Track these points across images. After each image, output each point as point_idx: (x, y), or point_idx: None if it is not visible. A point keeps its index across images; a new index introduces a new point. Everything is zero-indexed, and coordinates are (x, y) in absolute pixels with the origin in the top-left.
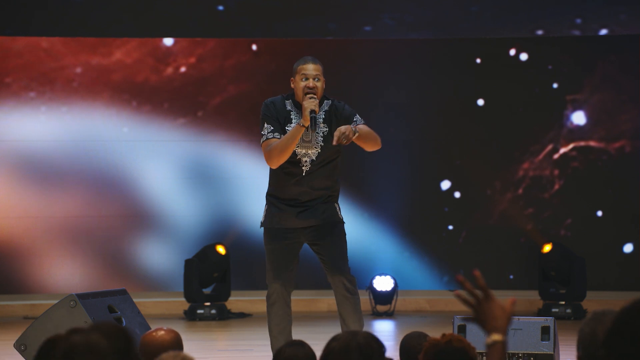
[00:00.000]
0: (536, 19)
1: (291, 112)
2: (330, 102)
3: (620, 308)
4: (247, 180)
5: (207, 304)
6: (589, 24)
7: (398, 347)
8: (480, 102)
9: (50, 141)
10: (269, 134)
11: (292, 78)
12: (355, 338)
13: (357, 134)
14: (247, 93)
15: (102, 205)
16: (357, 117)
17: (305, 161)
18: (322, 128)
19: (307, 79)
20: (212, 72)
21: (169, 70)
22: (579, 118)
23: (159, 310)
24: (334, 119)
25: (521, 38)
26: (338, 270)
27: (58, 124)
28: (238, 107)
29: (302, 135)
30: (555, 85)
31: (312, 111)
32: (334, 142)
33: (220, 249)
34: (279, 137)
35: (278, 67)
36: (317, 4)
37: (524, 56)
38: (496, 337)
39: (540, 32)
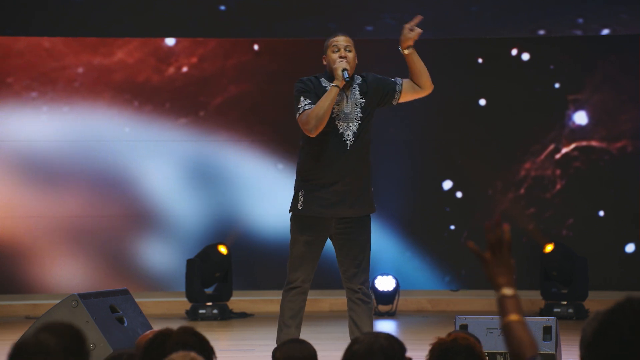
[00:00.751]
0: (537, 18)
1: (327, 88)
2: (361, 77)
3: (605, 309)
4: (249, 180)
5: (209, 303)
6: (590, 24)
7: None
8: (482, 102)
9: (52, 141)
10: (306, 106)
11: (323, 56)
12: (378, 340)
13: (411, 50)
14: (249, 93)
15: (103, 205)
16: (395, 79)
17: (348, 134)
18: (359, 99)
19: (338, 49)
20: (214, 72)
21: (171, 70)
22: (580, 118)
23: (161, 310)
24: (369, 89)
25: (523, 38)
26: (357, 275)
27: (59, 124)
28: (239, 107)
29: (343, 108)
30: (556, 85)
31: (345, 70)
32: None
33: (222, 249)
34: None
35: (279, 67)
36: (317, 4)
37: (525, 56)
38: (504, 291)
39: (541, 32)
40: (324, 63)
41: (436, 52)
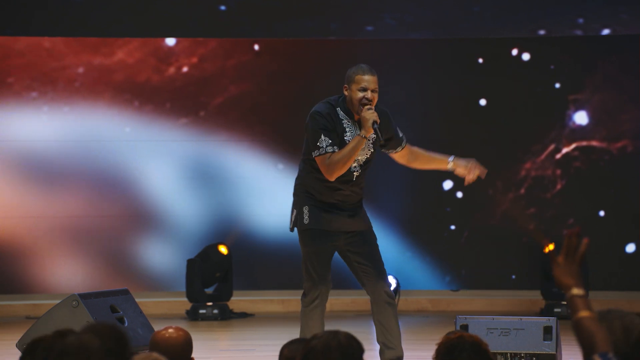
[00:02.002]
0: (537, 19)
1: (343, 121)
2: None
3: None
4: (249, 180)
5: (209, 303)
6: (591, 24)
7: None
8: (483, 102)
9: (52, 141)
10: (327, 147)
11: (345, 85)
12: (337, 337)
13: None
14: (249, 93)
15: (104, 205)
16: (402, 135)
17: (355, 166)
18: (372, 135)
19: (365, 90)
20: (214, 72)
21: (171, 70)
22: (581, 118)
23: (161, 310)
24: (382, 127)
25: (523, 38)
26: (380, 278)
27: (60, 124)
28: (240, 107)
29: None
30: (557, 85)
31: (374, 122)
32: (469, 180)
33: (223, 249)
34: (337, 150)
35: (279, 67)
36: (318, 4)
37: (526, 56)
38: (575, 291)
39: (542, 32)
40: (345, 93)
41: (436, 52)
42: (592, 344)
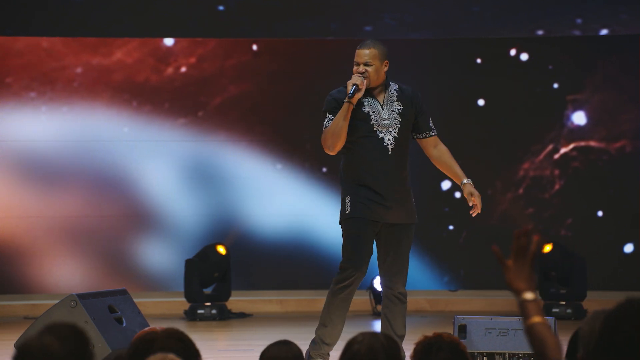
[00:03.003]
0: (536, 19)
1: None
2: (397, 85)
3: (607, 313)
4: (248, 180)
5: (208, 304)
6: (590, 24)
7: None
8: (481, 102)
9: (51, 141)
10: (327, 123)
11: None
12: (379, 339)
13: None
14: (248, 93)
15: (102, 205)
16: (432, 125)
17: (389, 139)
18: (397, 106)
19: (357, 64)
20: (213, 72)
21: (170, 70)
22: (579, 118)
23: (160, 310)
24: (407, 100)
25: (522, 38)
26: (398, 274)
27: (59, 124)
28: (239, 107)
29: (380, 114)
30: (555, 86)
31: (355, 85)
32: (475, 212)
33: (221, 249)
34: None
35: (279, 67)
36: (317, 4)
37: (524, 56)
38: (526, 295)
39: (540, 32)
40: None
41: (435, 52)
42: (544, 351)
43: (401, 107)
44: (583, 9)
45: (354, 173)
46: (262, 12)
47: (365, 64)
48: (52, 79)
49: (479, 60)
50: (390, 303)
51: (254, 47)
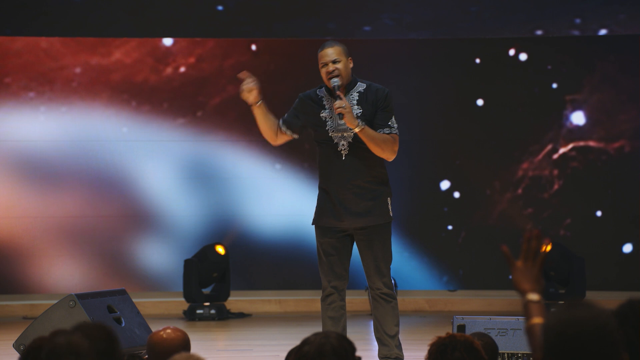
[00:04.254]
0: (535, 19)
1: (322, 99)
2: (366, 85)
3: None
4: (247, 180)
5: (207, 304)
6: (588, 24)
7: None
8: (480, 102)
9: (50, 141)
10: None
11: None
12: (329, 340)
13: (362, 128)
14: None
15: (101, 205)
16: (392, 122)
17: (343, 144)
18: (356, 110)
19: (325, 64)
20: (212, 72)
21: (168, 70)
22: (578, 118)
23: (158, 311)
24: (369, 101)
25: (520, 38)
26: (374, 276)
27: (57, 124)
28: (237, 107)
29: (336, 119)
30: (554, 86)
31: (335, 86)
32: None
33: (220, 249)
34: (281, 123)
35: (277, 67)
36: (316, 4)
37: (523, 56)
38: (530, 297)
39: (539, 32)
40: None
41: (434, 52)
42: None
43: (360, 110)
44: (582, 9)
45: (319, 176)
46: (261, 12)
47: (334, 62)
48: (50, 79)
49: (477, 60)
50: (376, 303)
51: (253, 47)
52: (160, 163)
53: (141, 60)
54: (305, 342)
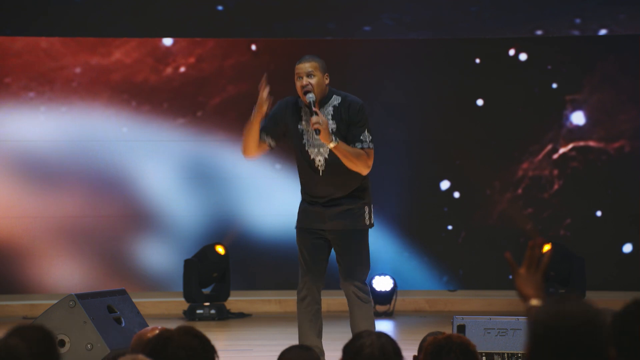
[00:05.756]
0: (535, 19)
1: (301, 109)
2: (341, 98)
3: (615, 314)
4: (247, 180)
5: (207, 304)
6: (588, 24)
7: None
8: (480, 102)
9: (50, 141)
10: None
11: None
12: (383, 339)
13: (336, 144)
14: (247, 93)
15: (101, 205)
16: (364, 136)
17: (319, 160)
18: (331, 125)
19: (300, 77)
20: (212, 72)
21: (169, 70)
22: (578, 118)
23: (159, 311)
24: (343, 117)
25: (520, 38)
26: (349, 278)
27: (57, 124)
28: (237, 107)
29: (313, 134)
30: (554, 86)
31: (311, 102)
32: (311, 127)
33: (220, 249)
34: (262, 133)
35: (277, 67)
36: (316, 4)
37: (523, 56)
38: (534, 302)
39: (539, 32)
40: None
41: (434, 52)
42: None
43: (334, 126)
44: (582, 9)
45: (300, 183)
46: (261, 12)
47: (308, 75)
48: (50, 79)
49: (477, 60)
50: (351, 307)
51: (253, 47)
52: (160, 163)
53: (141, 60)
54: (362, 346)
